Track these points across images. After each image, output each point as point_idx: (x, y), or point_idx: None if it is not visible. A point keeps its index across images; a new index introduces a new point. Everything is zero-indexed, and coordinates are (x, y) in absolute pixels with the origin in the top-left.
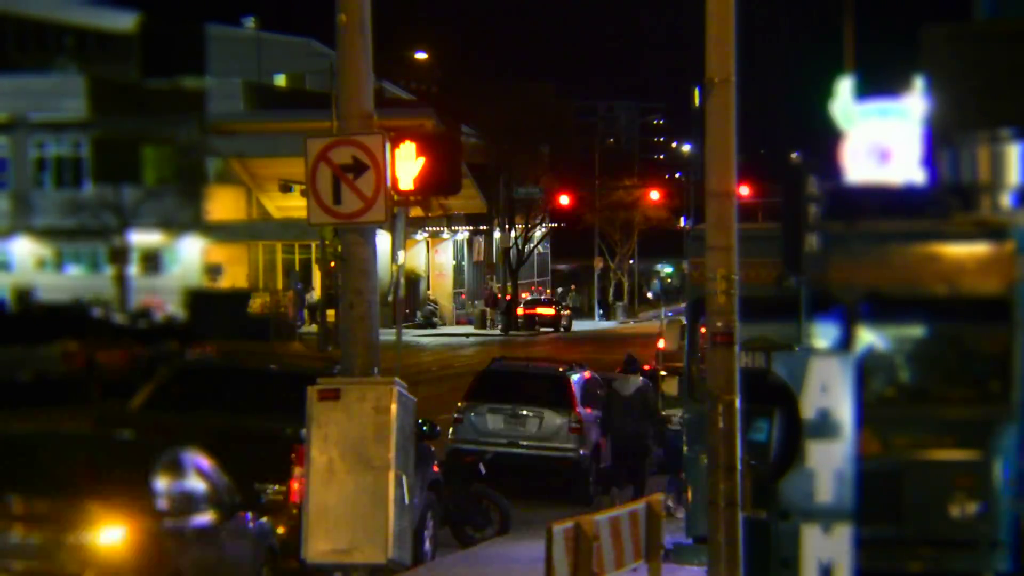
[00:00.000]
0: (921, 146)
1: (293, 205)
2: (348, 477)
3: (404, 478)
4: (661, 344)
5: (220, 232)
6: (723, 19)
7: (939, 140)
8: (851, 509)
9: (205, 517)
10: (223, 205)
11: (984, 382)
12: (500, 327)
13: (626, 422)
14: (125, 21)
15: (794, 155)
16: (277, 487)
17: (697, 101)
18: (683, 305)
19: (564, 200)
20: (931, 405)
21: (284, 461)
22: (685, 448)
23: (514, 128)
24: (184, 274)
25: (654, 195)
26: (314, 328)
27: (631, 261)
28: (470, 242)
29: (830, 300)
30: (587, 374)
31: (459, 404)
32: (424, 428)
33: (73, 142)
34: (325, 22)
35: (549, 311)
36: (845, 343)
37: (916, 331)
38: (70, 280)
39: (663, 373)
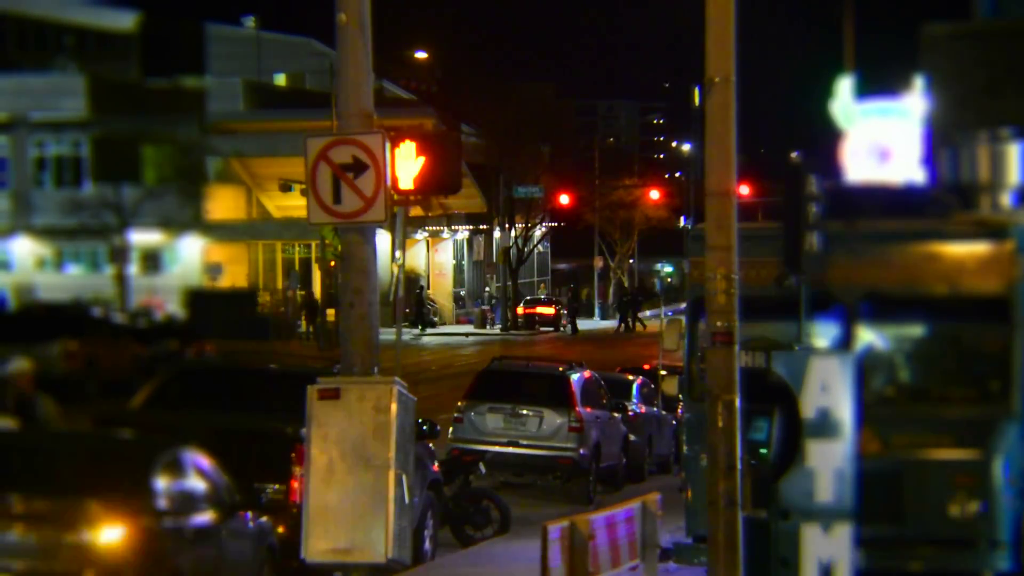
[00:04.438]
0: (921, 146)
1: (293, 204)
2: (348, 476)
3: (404, 477)
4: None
5: (220, 231)
6: (723, 19)
7: (939, 140)
8: (851, 509)
9: (205, 517)
10: (223, 205)
11: (984, 382)
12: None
13: None
14: (125, 21)
15: (794, 155)
16: (277, 487)
17: (697, 101)
18: (683, 304)
19: (564, 200)
20: (931, 405)
21: (284, 461)
22: (685, 447)
23: (514, 128)
24: (184, 274)
25: (654, 195)
26: (305, 327)
27: (631, 261)
28: (470, 242)
29: (830, 300)
30: (587, 373)
31: (459, 404)
32: (424, 427)
33: (73, 141)
34: (325, 22)
35: (549, 311)
36: (845, 343)
37: (916, 331)
38: (70, 280)
39: (663, 372)
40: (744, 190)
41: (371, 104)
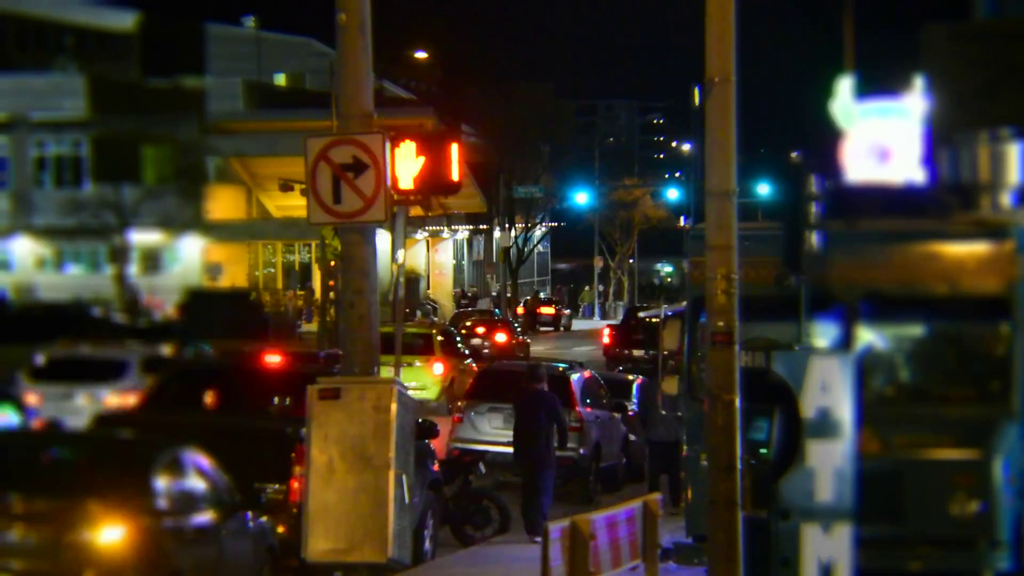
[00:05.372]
0: (921, 145)
1: (293, 204)
2: (348, 476)
3: (404, 477)
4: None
5: (220, 231)
6: (723, 19)
7: (939, 140)
8: (851, 508)
9: (205, 516)
10: (223, 204)
11: (984, 382)
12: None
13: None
14: (125, 21)
15: (794, 155)
16: (277, 486)
17: (697, 101)
18: (683, 304)
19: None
20: (931, 405)
21: (284, 460)
22: (685, 447)
23: (514, 128)
24: (184, 273)
25: (654, 195)
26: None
27: (631, 260)
28: (470, 242)
29: (830, 300)
30: (587, 373)
31: (459, 403)
32: (424, 427)
33: (73, 141)
34: (325, 22)
35: (549, 310)
36: (845, 343)
37: (916, 331)
38: (70, 280)
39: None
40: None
41: (371, 104)
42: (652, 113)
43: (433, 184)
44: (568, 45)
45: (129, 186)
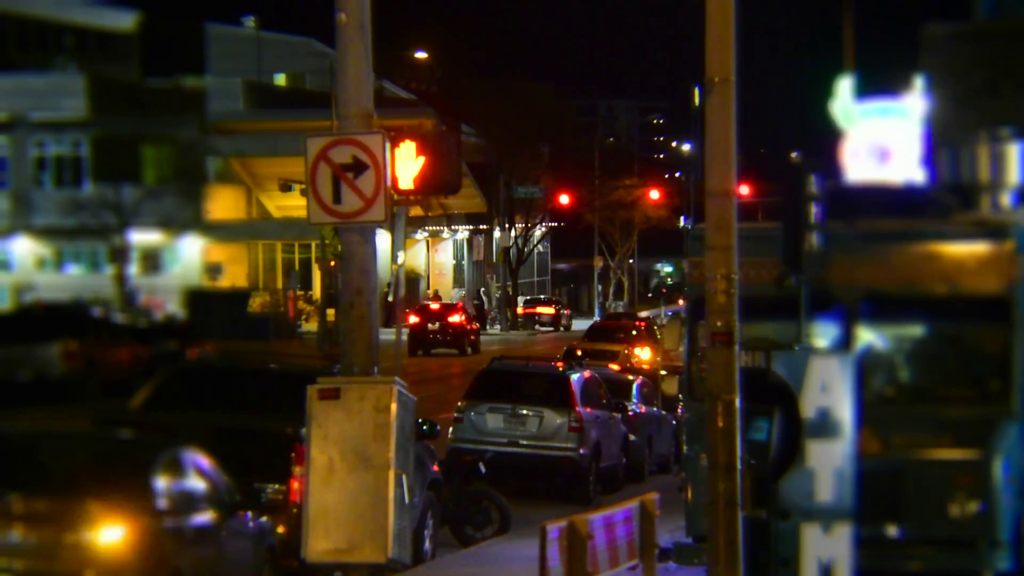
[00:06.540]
0: (921, 146)
1: (293, 204)
2: (348, 476)
3: (404, 477)
4: None
5: (220, 231)
6: (723, 19)
7: (939, 140)
8: (851, 508)
9: (205, 516)
10: (223, 205)
11: (984, 382)
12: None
13: None
14: (125, 21)
15: (794, 155)
16: (277, 487)
17: (697, 101)
18: (683, 304)
19: (564, 200)
20: (931, 405)
21: (284, 461)
22: (685, 447)
23: (514, 128)
24: (184, 273)
25: (654, 195)
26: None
27: (631, 260)
28: (470, 241)
29: (830, 300)
30: (587, 373)
31: (459, 404)
32: (424, 427)
33: (73, 141)
34: (325, 22)
35: (549, 310)
36: (845, 343)
37: (916, 331)
38: (70, 280)
39: (663, 372)
40: (744, 190)
41: (371, 104)
42: (652, 113)
43: (433, 184)
44: (568, 45)
45: (129, 186)
